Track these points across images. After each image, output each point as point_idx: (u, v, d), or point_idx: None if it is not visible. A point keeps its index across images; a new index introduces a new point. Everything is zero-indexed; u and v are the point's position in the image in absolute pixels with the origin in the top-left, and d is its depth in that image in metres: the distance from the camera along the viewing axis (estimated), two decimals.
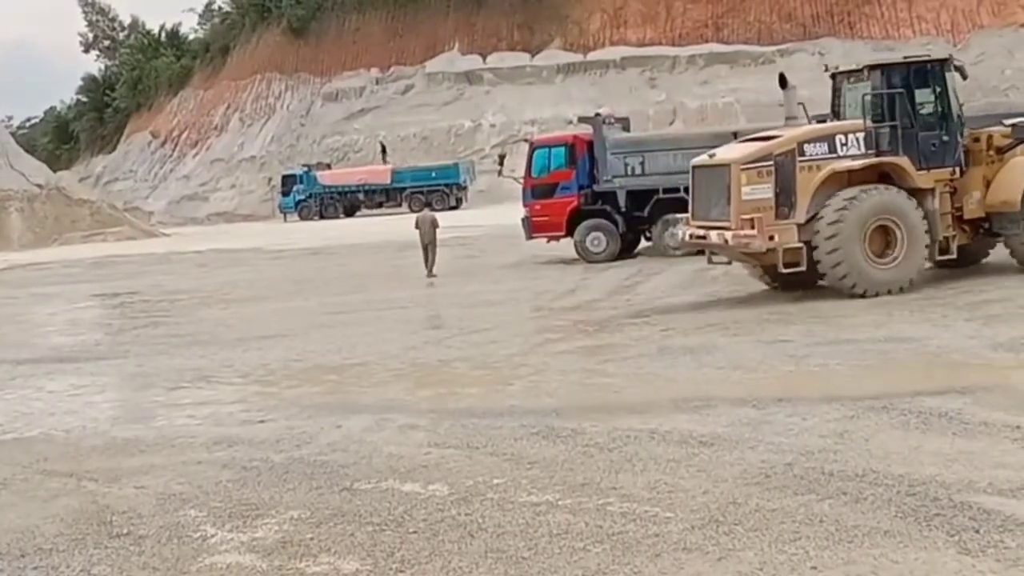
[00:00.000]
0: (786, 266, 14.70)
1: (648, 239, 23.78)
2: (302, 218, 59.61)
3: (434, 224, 22.90)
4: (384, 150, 63.27)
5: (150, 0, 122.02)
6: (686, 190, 22.96)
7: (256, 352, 13.70)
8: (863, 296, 14.39)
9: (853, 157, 14.96)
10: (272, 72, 75.02)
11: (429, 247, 22.67)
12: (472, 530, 5.97)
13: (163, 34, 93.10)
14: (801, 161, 14.81)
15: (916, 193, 14.99)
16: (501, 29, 65.09)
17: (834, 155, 14.92)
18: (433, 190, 56.14)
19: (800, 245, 14.69)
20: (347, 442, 8.27)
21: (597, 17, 61.91)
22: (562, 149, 24.23)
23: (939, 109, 15.67)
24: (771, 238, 14.58)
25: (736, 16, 57.85)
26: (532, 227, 24.11)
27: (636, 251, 23.98)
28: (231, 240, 44.39)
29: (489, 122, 61.92)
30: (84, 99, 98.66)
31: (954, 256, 15.41)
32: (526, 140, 27.80)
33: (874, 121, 15.18)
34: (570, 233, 23.54)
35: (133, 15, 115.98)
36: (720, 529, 5.69)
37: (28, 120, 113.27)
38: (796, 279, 15.27)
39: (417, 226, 22.98)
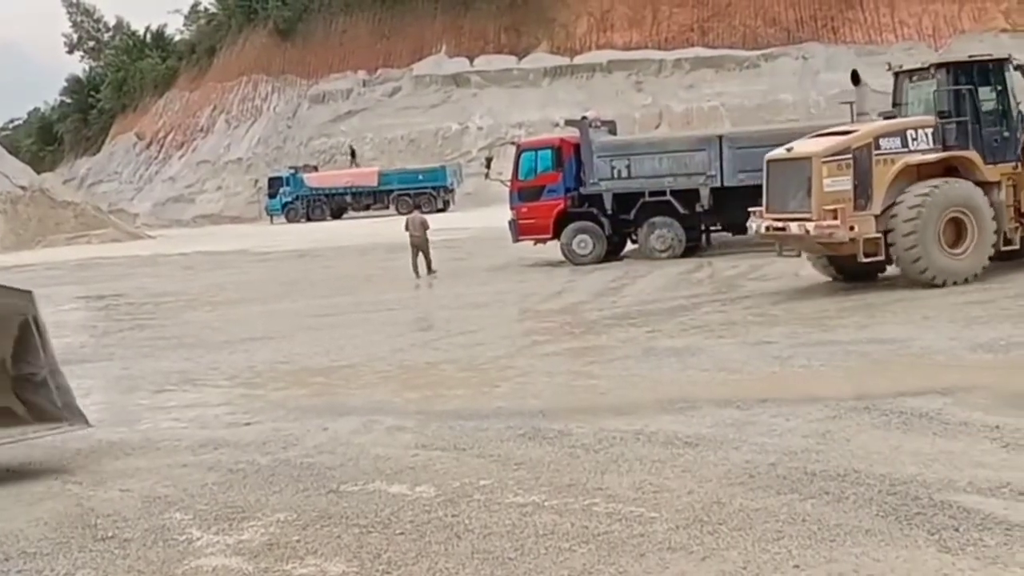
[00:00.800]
0: (866, 256, 15.17)
1: (634, 242, 23.85)
2: (289, 220, 59.51)
3: (424, 225, 23.23)
4: (353, 154, 63.24)
5: (135, 1, 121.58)
6: (672, 193, 23.29)
7: (242, 354, 13.70)
8: (938, 285, 14.85)
9: (923, 151, 15.52)
10: (258, 74, 74.84)
11: (421, 248, 23.01)
12: (459, 531, 5.99)
13: (148, 35, 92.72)
14: (877, 155, 15.30)
15: (983, 186, 15.60)
16: (488, 32, 65.11)
17: (906, 149, 15.48)
18: (420, 192, 56.12)
19: (879, 235, 15.19)
20: (334, 444, 8.28)
21: (583, 20, 62.01)
22: (549, 152, 24.28)
23: (1000, 106, 16.29)
24: (851, 228, 15.03)
25: (721, 20, 58.01)
26: (519, 230, 24.15)
27: (622, 254, 24.05)
28: (217, 242, 44.32)
29: (476, 125, 61.94)
30: (68, 100, 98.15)
31: (1017, 247, 16.03)
32: (513, 143, 27.88)
33: (941, 117, 15.72)
34: (557, 236, 23.60)
35: (118, 16, 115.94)
36: (704, 529, 5.73)
37: (11, 121, 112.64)
38: (858, 271, 15.89)
39: (407, 228, 23.28)
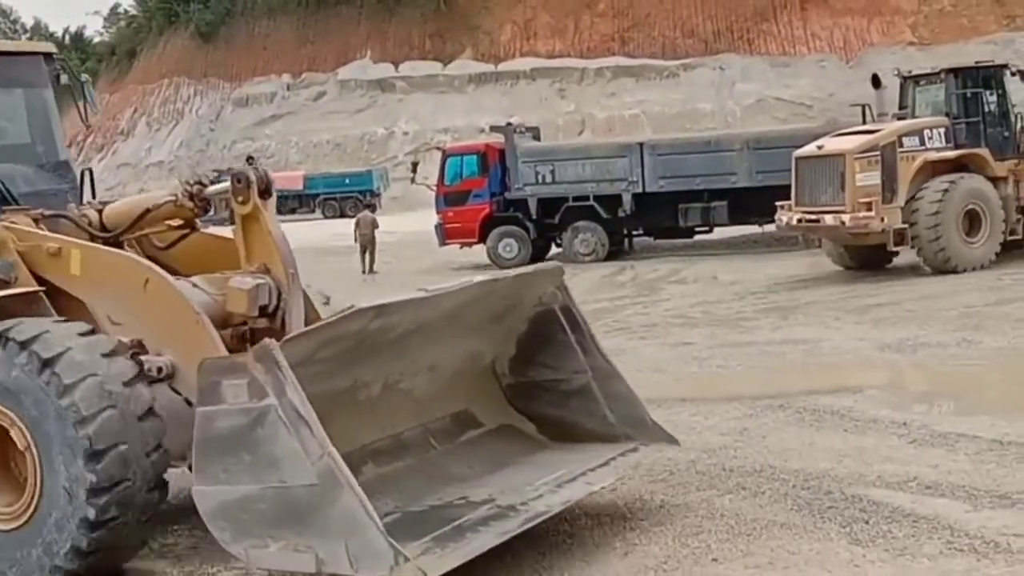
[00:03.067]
0: (895, 245, 16.49)
1: (559, 245, 24.03)
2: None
3: (374, 224, 24.53)
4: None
5: (54, 3, 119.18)
6: (595, 198, 23.49)
7: None
8: (957, 272, 16.04)
9: (938, 149, 16.90)
10: (181, 76, 73.65)
11: (368, 246, 24.29)
12: None
13: (67, 37, 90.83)
14: (901, 152, 16.61)
15: (993, 181, 16.92)
16: (413, 38, 64.95)
17: (923, 147, 16.88)
18: (346, 197, 55.73)
19: (905, 226, 16.40)
20: None
21: (507, 28, 62.17)
22: (474, 157, 24.39)
23: (1000, 108, 17.83)
24: (882, 220, 16.22)
25: (641, 31, 58.55)
26: (445, 233, 24.20)
27: (547, 257, 24.20)
28: None
29: (402, 130, 61.73)
30: None
31: (1020, 237, 17.17)
32: (439, 148, 27.87)
33: (951, 118, 17.22)
34: (482, 239, 23.68)
35: (36, 17, 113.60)
36: (627, 525, 5.84)
37: None
38: (870, 260, 17.28)
39: (357, 226, 24.66)
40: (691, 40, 56.56)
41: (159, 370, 5.66)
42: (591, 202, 23.12)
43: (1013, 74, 17.98)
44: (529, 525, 5.23)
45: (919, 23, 53.03)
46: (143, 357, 5.69)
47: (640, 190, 22.90)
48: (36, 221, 6.56)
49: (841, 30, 54.00)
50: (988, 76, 17.96)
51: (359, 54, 65.87)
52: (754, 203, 22.22)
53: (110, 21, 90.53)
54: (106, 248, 6.43)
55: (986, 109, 17.58)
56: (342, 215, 54.10)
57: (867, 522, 5.59)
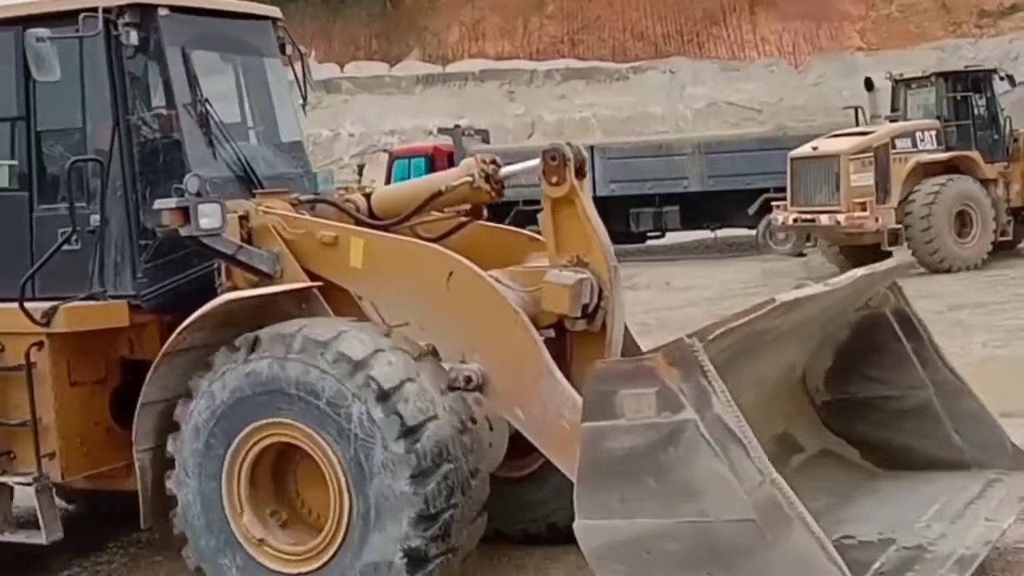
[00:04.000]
0: (890, 244, 16.52)
1: None
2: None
3: None
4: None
5: None
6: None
7: None
8: (949, 271, 16.33)
9: (930, 151, 17.32)
10: None
11: None
12: None
13: None
14: (894, 153, 17.06)
15: (983, 183, 17.19)
16: (359, 38, 64.16)
17: (915, 149, 17.31)
18: None
19: (899, 226, 16.77)
20: None
21: (455, 29, 61.64)
22: (422, 160, 23.91)
23: (989, 111, 18.23)
24: (876, 219, 16.60)
25: (591, 33, 58.33)
26: None
27: None
28: None
29: (348, 131, 60.87)
30: None
31: (1009, 238, 17.41)
32: (386, 150, 27.30)
33: (942, 121, 17.61)
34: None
35: None
36: None
37: None
38: (863, 260, 16.45)
39: None
40: (641, 43, 56.44)
41: (467, 380, 4.74)
42: (540, 205, 22.64)
43: (1001, 78, 18.37)
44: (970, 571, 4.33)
45: (867, 29, 53.39)
46: (447, 364, 4.84)
47: (591, 194, 22.46)
48: (293, 206, 5.69)
49: (790, 35, 54.20)
50: (977, 80, 18.37)
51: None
52: (706, 208, 21.97)
53: None
54: (397, 237, 5.54)
55: (975, 112, 18.00)
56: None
57: None
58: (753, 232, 21.85)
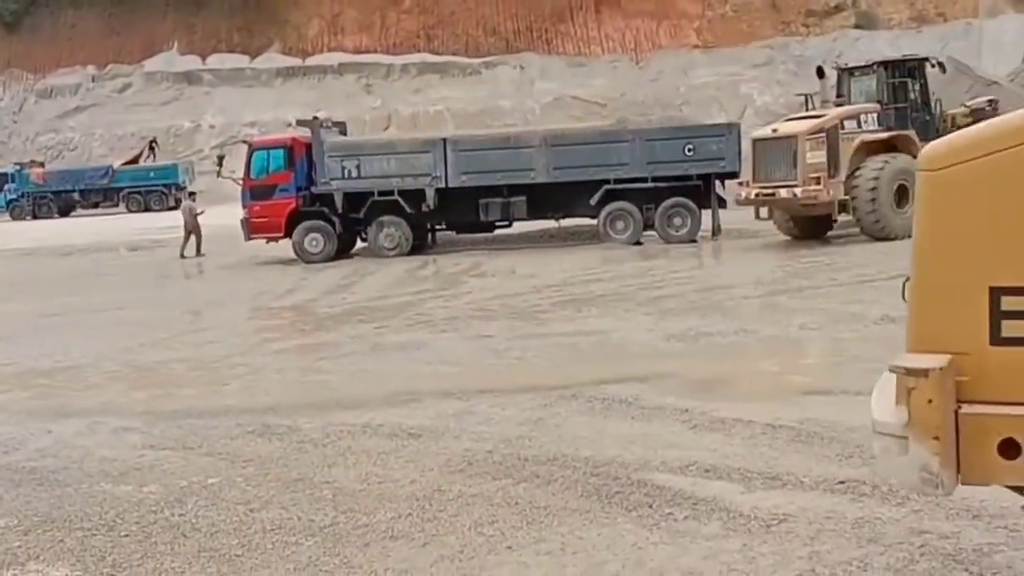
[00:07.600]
0: (840, 213, 18.63)
1: (364, 240, 23.75)
2: (14, 218, 55.21)
3: (193, 212, 25.44)
4: (152, 147, 59.10)
5: None
6: (400, 193, 23.31)
7: None
8: (890, 239, 17.78)
9: (872, 131, 19.00)
10: None
11: (194, 232, 25.26)
12: (185, 530, 5.79)
13: None
14: (842, 133, 18.71)
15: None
16: (220, 31, 62.91)
17: (860, 129, 18.98)
18: (151, 190, 53.50)
19: (847, 198, 18.52)
20: (58, 447, 7.80)
21: (315, 23, 61.06)
22: (281, 151, 23.77)
23: (923, 95, 19.98)
24: (828, 192, 18.35)
25: (445, 28, 58.61)
26: (251, 228, 23.50)
27: (352, 252, 23.93)
28: None
29: (208, 123, 59.73)
30: None
31: None
32: (245, 142, 27.05)
33: (882, 104, 19.30)
34: (289, 234, 23.15)
35: None
36: (425, 516, 5.80)
37: None
38: (813, 230, 19.65)
39: (182, 213, 25.92)
40: (493, 39, 57.02)
41: None
42: (396, 197, 22.94)
43: (933, 66, 20.10)
44: None
45: (703, 27, 55.14)
46: None
47: (443, 185, 22.86)
48: None
49: (632, 32, 55.56)
50: (912, 67, 20.10)
51: (166, 46, 63.33)
52: (551, 198, 22.58)
53: None
54: None
55: (911, 96, 19.68)
56: (147, 209, 51.96)
57: (651, 506, 5.72)
58: (595, 221, 22.55)
